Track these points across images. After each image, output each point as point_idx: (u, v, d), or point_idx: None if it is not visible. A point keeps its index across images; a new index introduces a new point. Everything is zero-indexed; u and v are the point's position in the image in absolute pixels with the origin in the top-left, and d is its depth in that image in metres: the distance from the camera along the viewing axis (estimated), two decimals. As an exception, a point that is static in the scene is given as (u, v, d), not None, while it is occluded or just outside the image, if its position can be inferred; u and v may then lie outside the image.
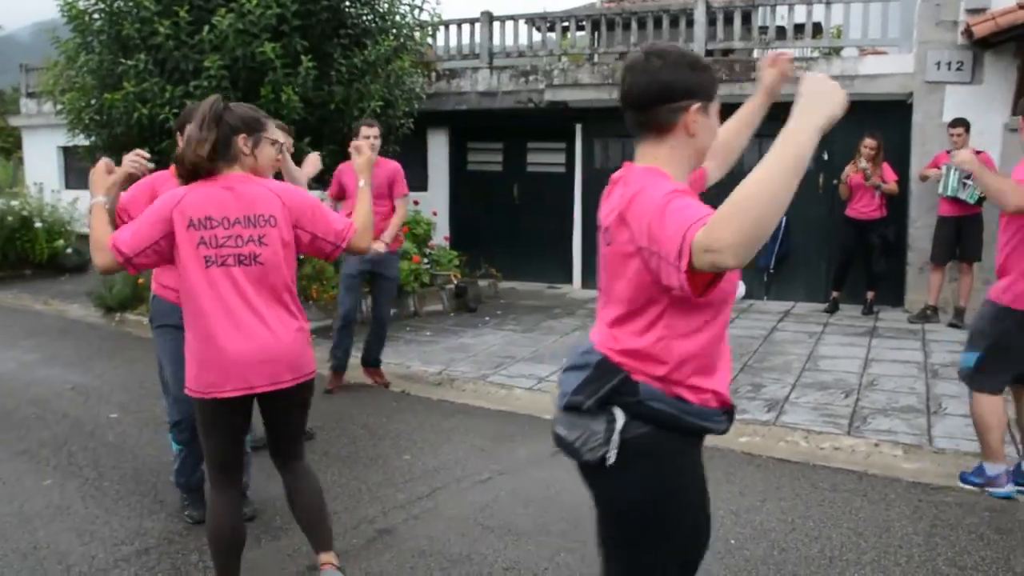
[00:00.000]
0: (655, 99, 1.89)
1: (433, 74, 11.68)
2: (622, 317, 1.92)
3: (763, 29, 10.22)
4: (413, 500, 4.36)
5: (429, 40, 10.80)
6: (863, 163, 8.41)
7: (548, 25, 11.15)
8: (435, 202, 11.87)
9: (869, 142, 8.44)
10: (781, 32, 9.77)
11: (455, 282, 9.89)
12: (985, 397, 4.24)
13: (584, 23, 11.39)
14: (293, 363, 2.96)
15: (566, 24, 11.55)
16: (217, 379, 2.86)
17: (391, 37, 9.18)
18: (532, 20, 11.23)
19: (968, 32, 8.11)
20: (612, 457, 1.91)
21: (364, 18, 9.13)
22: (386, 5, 9.38)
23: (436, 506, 4.29)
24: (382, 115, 9.06)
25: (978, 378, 4.26)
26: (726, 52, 10.57)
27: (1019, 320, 4.07)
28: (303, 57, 8.02)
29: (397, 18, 9.42)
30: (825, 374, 6.56)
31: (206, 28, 7.76)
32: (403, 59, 9.23)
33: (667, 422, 1.91)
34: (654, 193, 1.76)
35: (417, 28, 9.93)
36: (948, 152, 7.92)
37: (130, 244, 2.83)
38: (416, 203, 10.42)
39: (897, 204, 8.78)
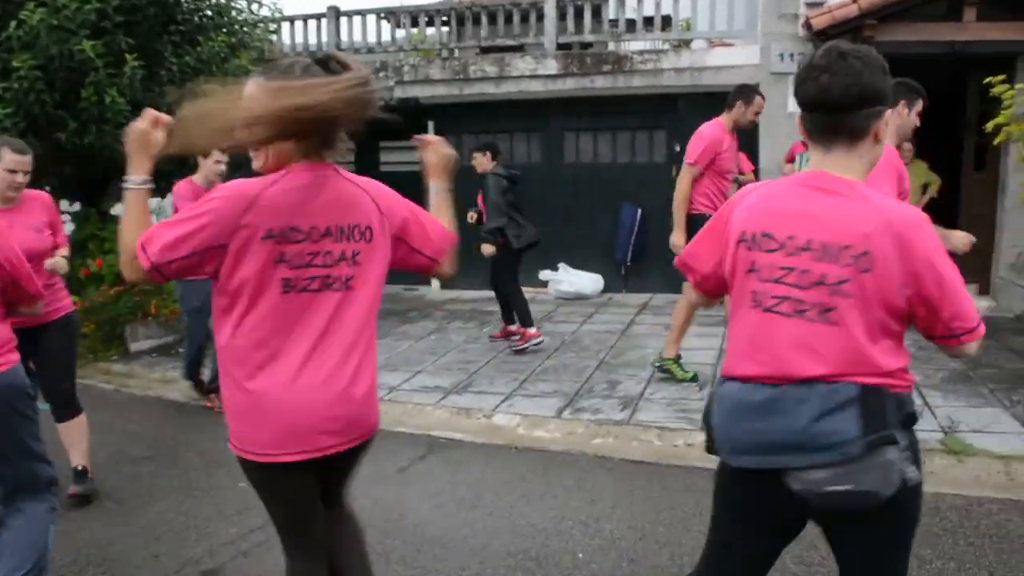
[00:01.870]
0: (856, 102, 1.84)
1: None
2: (872, 342, 1.84)
3: (614, 22, 10.19)
4: (245, 534, 4.00)
5: (272, 37, 10.26)
6: None
7: (397, 20, 10.80)
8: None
9: None
10: (631, 25, 9.77)
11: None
12: None
13: (434, 18, 11.09)
14: (367, 416, 2.30)
15: (416, 19, 11.24)
16: (279, 439, 2.16)
17: (226, 34, 8.64)
18: (381, 15, 10.86)
19: (808, 24, 8.30)
20: (915, 475, 1.85)
21: (196, 14, 8.54)
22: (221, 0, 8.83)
23: (268, 539, 3.93)
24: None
25: None
26: (584, 46, 10.54)
27: None
28: (128, 56, 7.41)
29: (233, 14, 8.88)
30: (681, 367, 6.54)
31: (13, 24, 7.05)
32: (241, 57, 8.71)
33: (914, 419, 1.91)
34: (937, 247, 1.84)
35: (256, 24, 9.39)
36: (802, 142, 8.04)
37: (166, 247, 2.03)
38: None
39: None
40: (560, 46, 9.80)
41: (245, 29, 9.09)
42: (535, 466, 4.79)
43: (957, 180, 8.70)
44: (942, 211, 8.80)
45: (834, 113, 1.86)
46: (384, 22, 11.15)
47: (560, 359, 6.99)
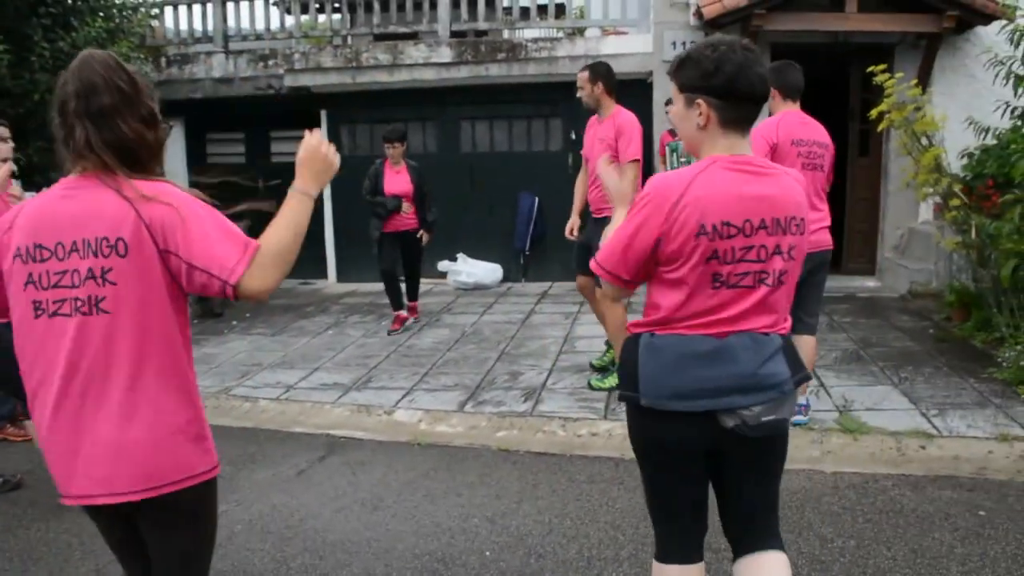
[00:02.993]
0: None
1: (163, 60, 10.64)
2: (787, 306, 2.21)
3: (507, 10, 10.10)
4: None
5: (154, 22, 9.76)
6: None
7: (287, 7, 10.42)
8: (174, 197, 10.82)
9: None
10: (525, 12, 9.71)
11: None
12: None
13: (325, 4, 10.77)
14: (151, 466, 1.92)
15: (307, 5, 10.88)
16: (57, 481, 1.95)
17: (104, 19, 8.16)
18: (270, 1, 10.46)
19: (699, 13, 8.40)
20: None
21: (69, -5, 8.03)
22: (98, -19, 8.32)
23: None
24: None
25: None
26: (480, 34, 10.42)
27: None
28: (-8, 39, 6.90)
29: (108, -1, 8.37)
30: (582, 355, 6.52)
31: None
32: (120, 43, 8.23)
33: None
34: None
35: (137, 8, 8.90)
36: (670, 132, 8.14)
37: None
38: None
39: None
40: (455, 34, 9.65)
41: (124, 13, 8.60)
42: (438, 463, 4.68)
43: (843, 165, 8.98)
44: (829, 196, 9.09)
45: (760, 102, 2.11)
46: (274, 8, 10.76)
47: (461, 351, 6.88)
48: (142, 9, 9.04)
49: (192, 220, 1.86)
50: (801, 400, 4.78)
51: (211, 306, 8.87)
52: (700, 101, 2.07)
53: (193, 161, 11.08)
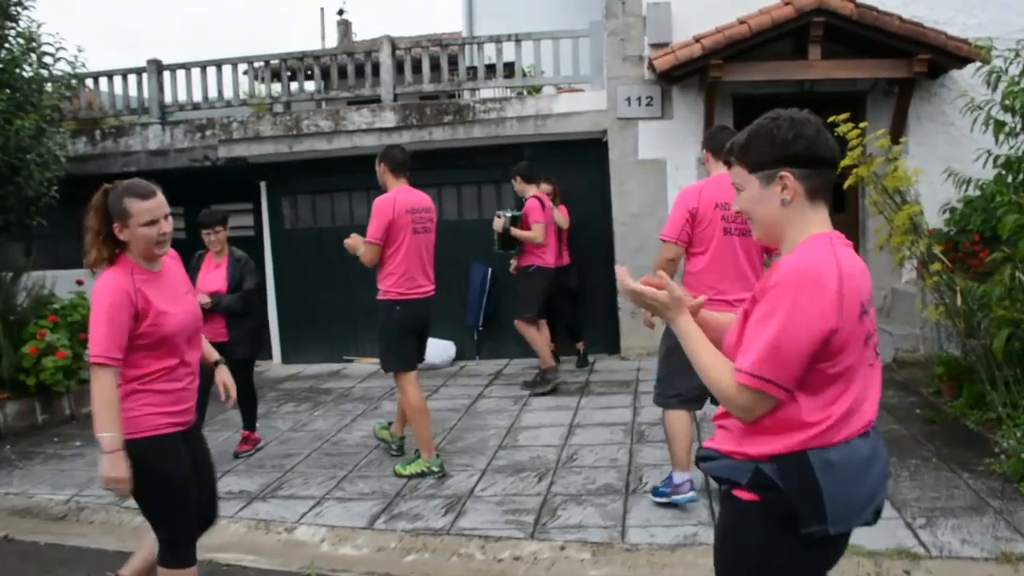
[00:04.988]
0: None
1: (98, 132, 10.06)
2: None
3: (453, 70, 9.53)
4: None
5: (65, 92, 9.15)
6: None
7: (220, 73, 9.80)
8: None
9: (545, 187, 7.88)
10: (472, 72, 9.13)
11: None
12: (670, 412, 4.37)
13: (260, 72, 10.19)
14: None
15: (245, 72, 10.34)
16: None
17: (11, 91, 7.54)
18: (206, 67, 9.86)
19: (653, 66, 7.81)
20: None
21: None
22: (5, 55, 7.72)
23: None
24: (10, 183, 7.44)
25: (659, 394, 4.43)
26: (433, 97, 9.87)
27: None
28: None
29: (17, 71, 7.76)
30: (522, 451, 5.74)
31: None
32: (27, 117, 7.59)
33: None
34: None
35: (47, 81, 8.29)
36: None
37: None
38: (80, 283, 8.74)
39: (579, 249, 8.27)
40: (394, 98, 9.05)
41: (33, 86, 7.99)
42: (324, 604, 3.87)
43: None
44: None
45: (836, 167, 2.02)
46: (212, 77, 10.17)
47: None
48: (55, 83, 8.41)
49: None
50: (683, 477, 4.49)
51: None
52: (785, 174, 1.91)
53: (131, 239, 10.40)
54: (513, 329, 8.64)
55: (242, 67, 9.80)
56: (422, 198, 5.29)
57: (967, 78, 6.90)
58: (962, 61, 7.10)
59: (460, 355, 8.90)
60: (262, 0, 53.83)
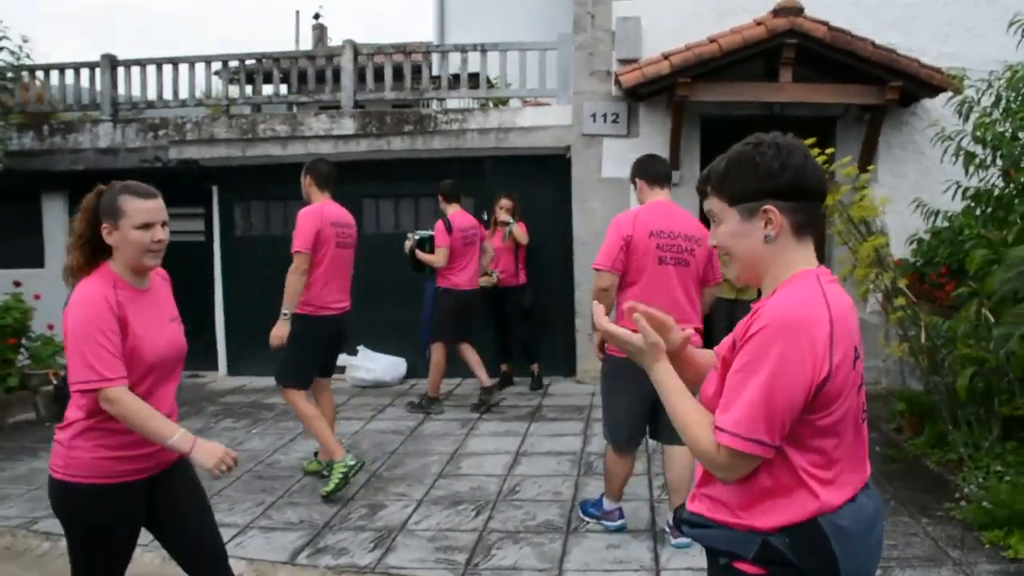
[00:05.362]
0: None
1: (46, 127, 9.66)
2: None
3: (416, 78, 9.24)
4: None
5: (7, 84, 8.76)
6: (504, 216, 7.58)
7: (176, 71, 9.43)
8: (54, 279, 9.69)
9: (505, 202, 7.64)
10: (436, 81, 8.86)
11: (55, 381, 7.88)
12: (611, 451, 4.31)
13: (220, 71, 9.85)
14: None
15: (217, 72, 9.99)
16: None
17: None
18: (161, 65, 9.50)
19: (620, 83, 7.57)
20: None
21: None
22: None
23: None
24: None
25: (604, 428, 4.37)
26: (399, 106, 9.58)
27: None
28: None
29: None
30: (463, 481, 5.43)
31: None
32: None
33: None
34: None
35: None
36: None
37: None
38: (17, 284, 8.33)
39: (538, 267, 8.00)
40: (355, 105, 8.75)
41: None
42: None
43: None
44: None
45: (824, 199, 1.87)
46: (167, 75, 9.81)
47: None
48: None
49: None
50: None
51: (65, 406, 7.69)
52: (769, 207, 1.70)
53: (77, 240, 9.99)
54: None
55: (199, 66, 9.42)
56: (346, 214, 5.32)
57: (939, 107, 6.72)
58: (934, 90, 6.93)
59: (412, 372, 8.55)
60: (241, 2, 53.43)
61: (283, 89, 9.09)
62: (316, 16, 23.55)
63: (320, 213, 5.05)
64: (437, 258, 6.90)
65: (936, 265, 6.65)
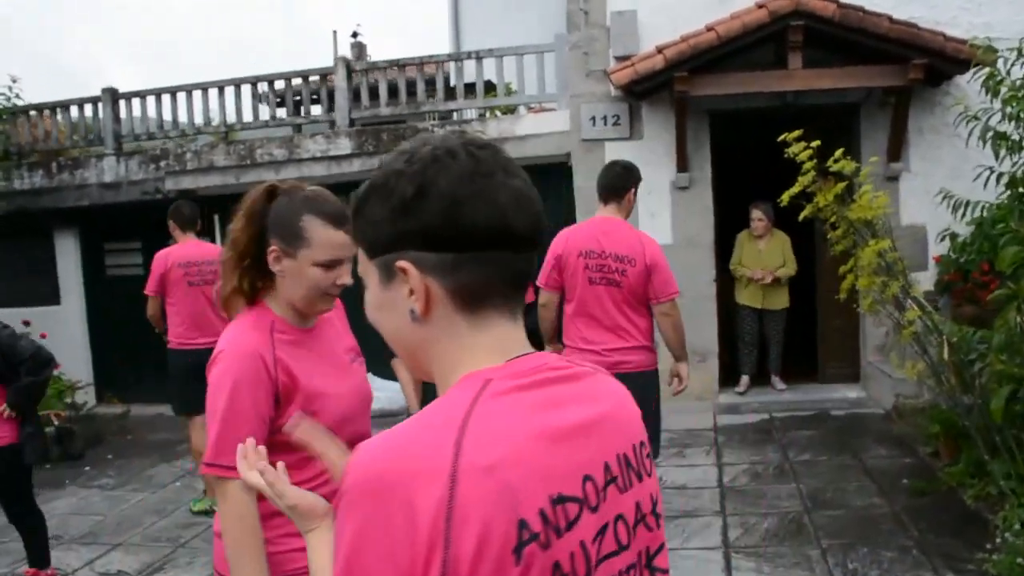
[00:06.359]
0: None
1: (55, 164, 9.58)
2: None
3: (412, 92, 8.80)
4: None
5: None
6: None
7: (174, 101, 9.21)
8: (69, 317, 9.67)
9: None
10: (432, 92, 8.43)
11: (55, 423, 7.71)
12: None
13: (264, 93, 9.60)
14: None
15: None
16: None
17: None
18: (161, 95, 9.29)
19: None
20: None
21: None
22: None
23: None
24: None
25: None
26: (398, 121, 9.19)
27: None
28: None
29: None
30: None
31: None
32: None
33: None
34: None
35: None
36: None
37: None
38: (27, 323, 8.23)
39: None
40: (349, 123, 8.38)
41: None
42: None
43: (811, 251, 7.40)
44: (801, 294, 7.50)
45: (529, 245, 1.13)
46: (167, 105, 9.61)
47: None
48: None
49: None
50: None
51: (65, 449, 7.57)
52: (404, 264, 1.00)
53: (90, 275, 9.88)
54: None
55: (197, 94, 9.19)
56: (203, 251, 5.49)
57: (968, 84, 6.01)
58: (965, 65, 6.19)
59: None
60: (280, 24, 54.13)
61: (267, 112, 8.77)
62: (354, 34, 23.38)
63: (165, 257, 5.39)
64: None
65: (974, 263, 5.93)
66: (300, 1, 52.16)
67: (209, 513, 5.27)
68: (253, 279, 1.93)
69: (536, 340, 7.16)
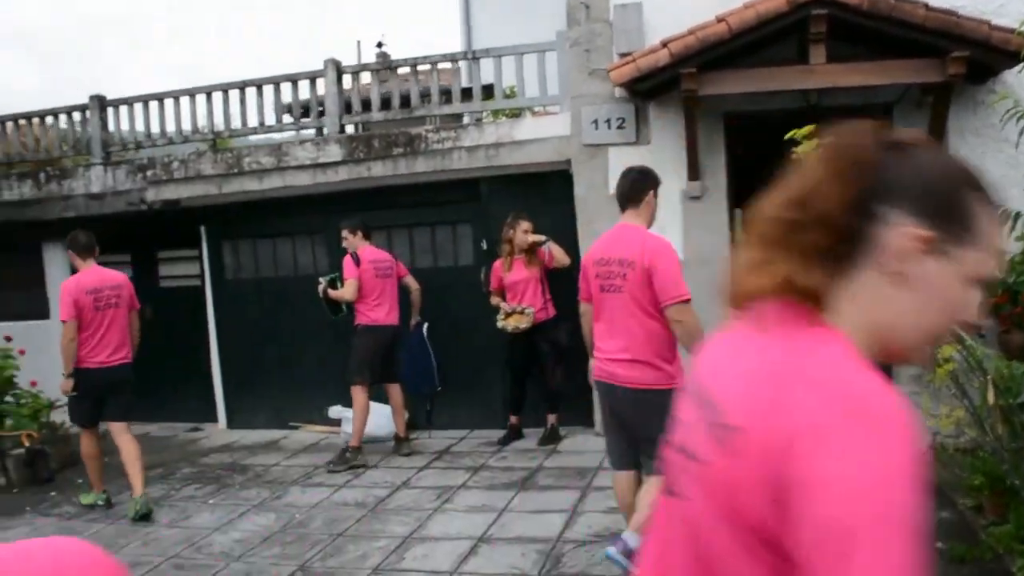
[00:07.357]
0: None
1: (43, 174, 9.21)
2: None
3: (406, 98, 8.17)
4: None
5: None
6: (533, 237, 6.69)
7: (162, 108, 8.74)
8: (57, 332, 9.25)
9: (525, 224, 6.67)
10: (427, 97, 7.88)
11: (26, 445, 7.25)
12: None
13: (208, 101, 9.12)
14: None
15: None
16: None
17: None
18: (148, 102, 8.84)
19: (623, 83, 6.37)
20: None
21: None
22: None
23: None
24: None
25: None
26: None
27: None
28: None
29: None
30: (400, 579, 4.36)
31: None
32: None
33: None
34: None
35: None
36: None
37: None
38: (8, 338, 7.82)
39: (568, 300, 6.82)
40: (340, 130, 7.84)
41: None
42: None
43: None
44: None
45: None
46: (155, 112, 9.15)
47: (257, 557, 4.89)
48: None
49: None
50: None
51: (36, 470, 7.14)
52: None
53: (80, 288, 9.47)
54: (476, 391, 7.38)
55: (184, 100, 8.72)
56: (107, 277, 5.89)
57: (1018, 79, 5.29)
58: (1013, 58, 5.45)
59: (410, 424, 7.44)
60: (309, 36, 54.35)
61: (256, 119, 8.26)
62: (379, 44, 23.04)
63: (76, 284, 5.71)
64: (346, 291, 6.65)
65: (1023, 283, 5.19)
66: (325, 21, 52.55)
67: (94, 507, 5.99)
68: (824, 274, 1.07)
69: (558, 350, 6.59)
